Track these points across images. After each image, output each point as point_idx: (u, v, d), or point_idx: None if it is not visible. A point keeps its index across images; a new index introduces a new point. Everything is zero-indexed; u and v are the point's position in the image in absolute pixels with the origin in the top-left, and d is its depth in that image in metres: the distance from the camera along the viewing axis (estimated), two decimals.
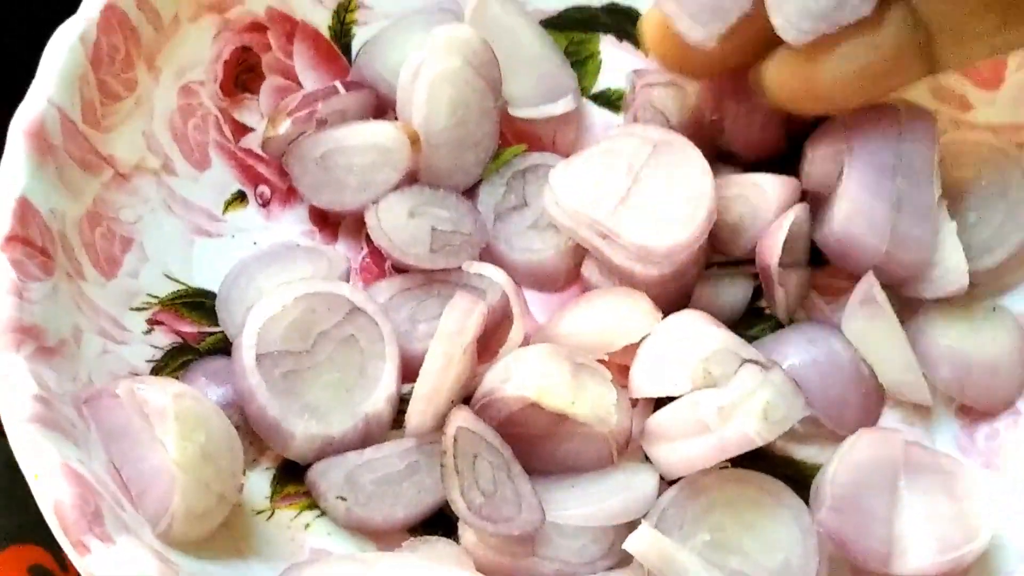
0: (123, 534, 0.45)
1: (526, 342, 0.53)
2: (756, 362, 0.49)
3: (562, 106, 0.59)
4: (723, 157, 0.57)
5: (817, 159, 0.54)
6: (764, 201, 0.54)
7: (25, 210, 0.49)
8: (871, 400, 0.54)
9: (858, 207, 0.52)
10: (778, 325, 0.56)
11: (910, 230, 0.52)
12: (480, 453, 0.49)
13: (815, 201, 0.55)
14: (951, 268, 0.53)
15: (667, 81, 0.57)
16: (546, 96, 0.60)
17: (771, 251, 0.54)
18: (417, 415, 0.51)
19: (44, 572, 0.56)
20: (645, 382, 0.51)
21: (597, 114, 0.61)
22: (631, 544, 0.48)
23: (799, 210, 0.54)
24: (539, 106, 0.59)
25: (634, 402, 0.52)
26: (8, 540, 0.56)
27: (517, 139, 0.60)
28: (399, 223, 0.55)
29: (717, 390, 0.49)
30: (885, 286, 0.53)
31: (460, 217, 0.56)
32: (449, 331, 0.50)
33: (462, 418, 0.50)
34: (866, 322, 0.53)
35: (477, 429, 0.50)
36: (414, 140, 0.55)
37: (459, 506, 0.49)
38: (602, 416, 0.50)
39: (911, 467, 0.51)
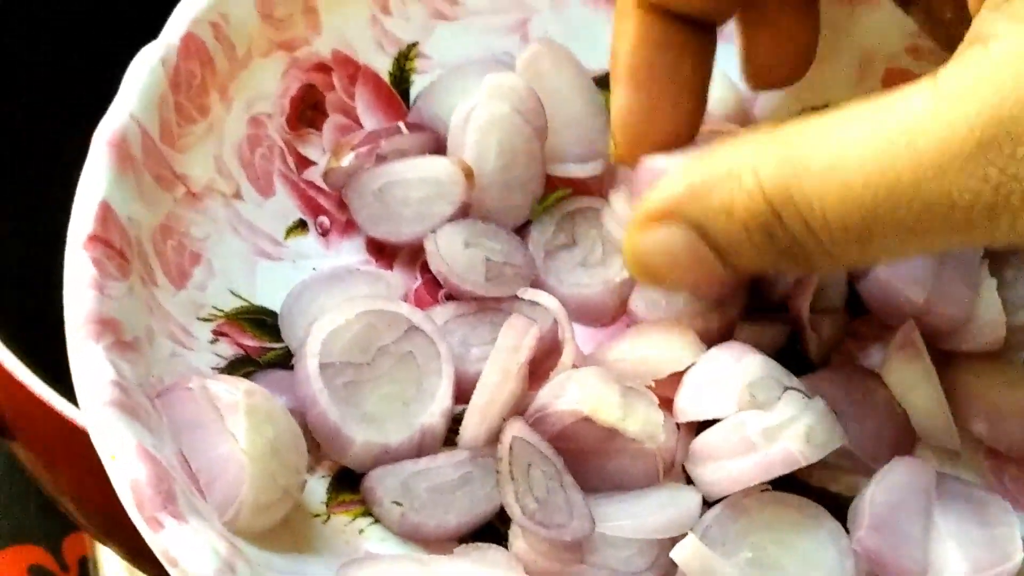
0: (194, 515, 0.46)
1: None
2: (798, 390, 0.52)
3: (590, 169, 0.62)
4: None
5: None
6: None
7: (106, 214, 0.51)
8: (904, 436, 0.56)
9: None
10: (813, 368, 0.58)
11: (952, 284, 0.55)
12: (534, 462, 0.51)
13: None
14: (988, 322, 0.55)
15: (727, 130, 0.59)
16: (578, 156, 0.62)
17: (803, 297, 0.56)
18: (472, 427, 0.53)
19: (44, 572, 0.57)
20: (690, 406, 0.54)
21: None
22: (677, 553, 0.49)
23: None
24: (568, 164, 0.62)
25: (678, 426, 0.54)
26: (8, 540, 0.57)
27: (564, 184, 0.62)
28: (456, 252, 0.57)
29: (762, 412, 0.51)
30: (923, 338, 0.55)
31: (511, 250, 0.58)
32: (507, 347, 0.53)
33: (517, 428, 0.52)
34: (903, 366, 0.55)
35: (531, 440, 0.52)
36: (468, 174, 0.58)
37: (514, 511, 0.51)
38: (651, 433, 0.52)
39: (943, 494, 0.52)
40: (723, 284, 0.54)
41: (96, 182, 0.51)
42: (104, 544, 0.78)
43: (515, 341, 0.53)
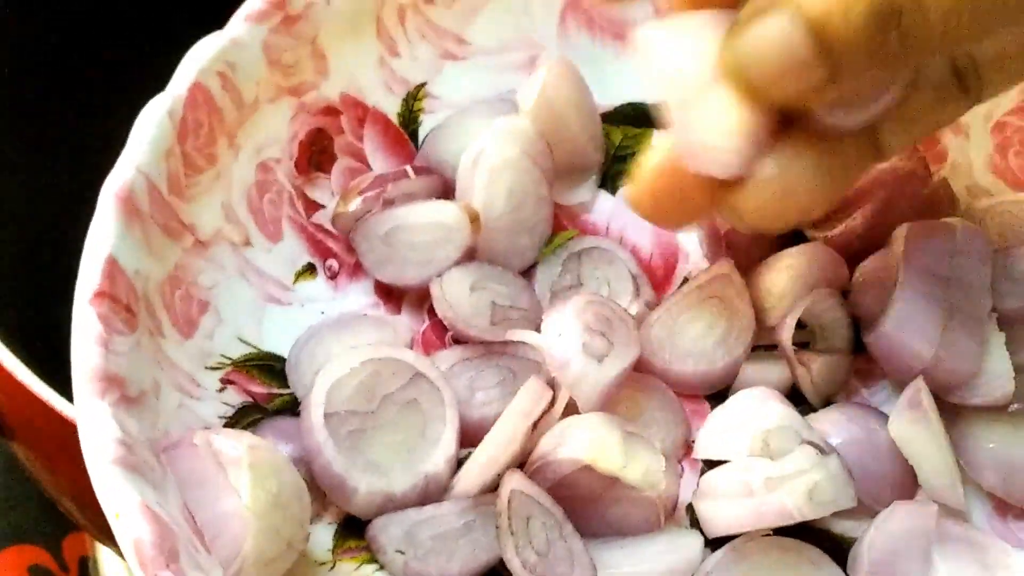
0: (197, 573, 0.47)
1: (573, 411, 0.56)
2: (815, 445, 0.52)
3: (576, 197, 0.63)
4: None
5: (868, 281, 0.58)
6: (807, 273, 0.58)
7: (113, 269, 0.52)
8: (907, 478, 0.56)
9: (910, 311, 0.55)
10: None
11: (960, 338, 0.55)
12: (533, 514, 0.52)
13: (864, 306, 0.58)
14: (997, 376, 0.55)
15: None
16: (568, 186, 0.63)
17: (786, 327, 0.57)
18: (467, 479, 0.53)
19: (44, 572, 0.57)
20: (707, 445, 0.55)
21: None
22: None
23: (825, 295, 0.57)
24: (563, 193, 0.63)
25: (681, 470, 0.55)
26: (8, 540, 0.58)
27: (572, 225, 0.63)
28: (462, 296, 0.58)
29: (770, 461, 0.52)
30: (930, 391, 0.55)
31: (517, 293, 0.59)
32: (520, 410, 0.53)
33: (515, 481, 0.52)
34: (911, 424, 0.55)
35: (530, 492, 0.52)
36: (474, 219, 0.58)
37: (514, 565, 0.51)
38: (652, 481, 0.52)
39: (944, 538, 0.53)
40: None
41: (103, 237, 0.52)
42: (104, 544, 0.79)
43: (529, 406, 0.53)
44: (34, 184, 0.76)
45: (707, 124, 0.47)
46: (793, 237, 0.60)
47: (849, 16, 0.43)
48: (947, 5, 0.43)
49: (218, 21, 0.58)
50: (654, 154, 0.52)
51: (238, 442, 0.50)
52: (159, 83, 0.56)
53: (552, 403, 0.54)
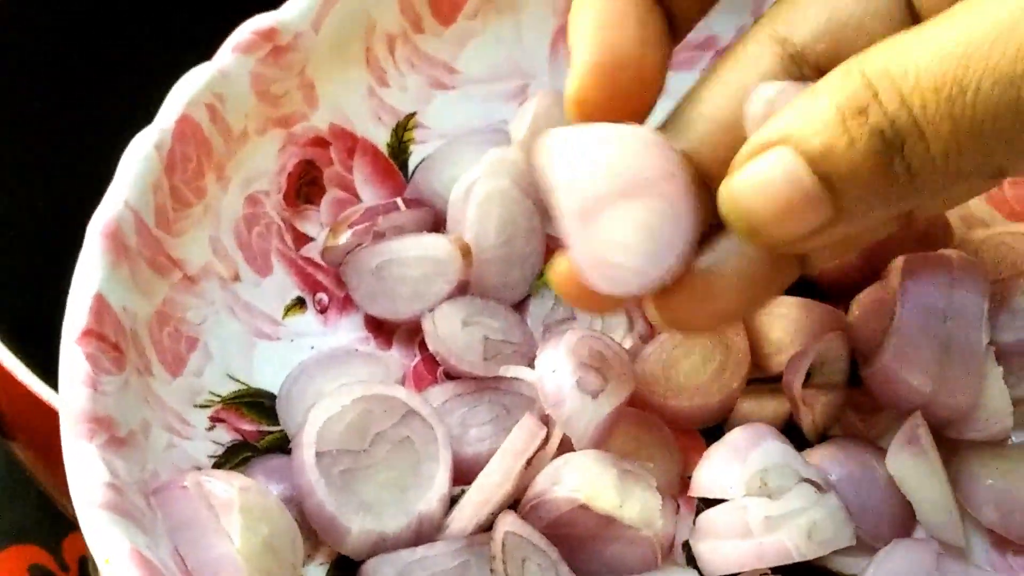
0: None
1: (568, 447, 0.55)
2: (813, 483, 0.52)
3: None
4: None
5: (864, 314, 0.57)
6: (807, 325, 0.57)
7: (100, 307, 0.51)
8: (906, 514, 0.55)
9: (907, 345, 0.54)
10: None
11: (957, 373, 0.54)
12: (529, 556, 0.51)
13: (862, 340, 0.57)
14: (995, 410, 0.54)
15: None
16: None
17: (796, 375, 0.56)
18: (460, 519, 0.53)
19: (44, 572, 0.57)
20: (703, 482, 0.54)
21: None
22: None
23: (833, 338, 0.56)
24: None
25: (677, 507, 0.54)
26: (8, 540, 0.57)
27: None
28: (454, 331, 0.57)
29: (768, 500, 0.51)
30: (929, 426, 0.55)
31: (510, 327, 0.58)
32: (513, 450, 0.53)
33: (509, 523, 0.51)
34: (909, 462, 0.55)
35: (524, 533, 0.51)
36: (465, 253, 0.58)
37: None
38: (648, 520, 0.52)
39: (944, 575, 0.52)
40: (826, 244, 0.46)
41: (90, 274, 0.51)
42: None
43: (523, 445, 0.52)
44: (34, 184, 0.76)
45: (612, 240, 0.45)
46: None
47: (853, 147, 0.41)
48: (945, 132, 0.41)
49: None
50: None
51: (229, 484, 0.49)
52: (160, 83, 0.56)
53: (546, 440, 0.53)
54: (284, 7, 0.58)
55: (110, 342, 0.51)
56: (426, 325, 0.57)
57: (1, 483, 0.57)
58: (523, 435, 0.53)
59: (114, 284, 0.52)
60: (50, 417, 0.58)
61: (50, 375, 0.58)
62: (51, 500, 0.73)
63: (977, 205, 0.62)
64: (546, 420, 0.54)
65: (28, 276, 0.72)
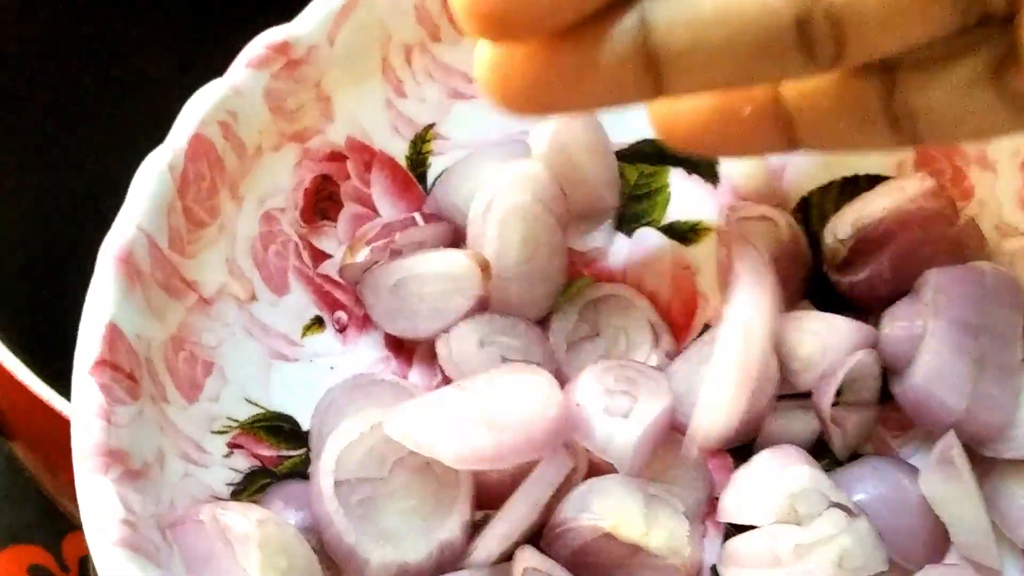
0: None
1: (595, 471, 0.54)
2: (843, 508, 0.51)
3: (591, 242, 0.61)
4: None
5: (895, 330, 0.56)
6: (836, 342, 0.55)
7: (114, 335, 0.50)
8: (939, 536, 0.54)
9: (940, 363, 0.53)
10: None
11: (991, 390, 0.53)
12: None
13: (893, 356, 0.56)
14: None
15: (759, 215, 0.58)
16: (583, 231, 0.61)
17: (825, 394, 0.55)
18: (486, 551, 0.52)
19: (44, 572, 0.56)
20: (731, 508, 0.53)
21: (668, 246, 0.62)
22: None
23: (863, 356, 0.55)
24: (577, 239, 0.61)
25: (705, 530, 0.53)
26: (8, 540, 0.57)
27: (587, 271, 0.61)
28: (470, 353, 0.56)
29: (798, 528, 0.50)
30: (962, 444, 0.54)
31: (530, 346, 0.57)
32: (542, 481, 0.51)
33: (527, 558, 0.51)
34: (943, 482, 0.54)
35: (544, 567, 0.50)
36: (484, 268, 0.56)
37: None
38: (675, 548, 0.50)
39: None
40: None
41: (103, 302, 0.50)
42: None
43: (550, 479, 0.51)
44: (35, 184, 0.75)
45: None
46: (817, 281, 0.59)
47: None
48: None
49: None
50: None
51: (246, 517, 0.48)
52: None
53: (575, 471, 0.52)
54: (297, 20, 0.56)
55: (124, 371, 0.50)
56: (440, 349, 0.56)
57: (1, 483, 0.56)
58: (551, 469, 0.51)
59: (128, 311, 0.51)
60: (50, 418, 0.58)
61: (51, 376, 0.58)
62: (51, 500, 0.72)
63: (1011, 213, 0.60)
64: (572, 446, 0.53)
65: (29, 277, 0.72)
